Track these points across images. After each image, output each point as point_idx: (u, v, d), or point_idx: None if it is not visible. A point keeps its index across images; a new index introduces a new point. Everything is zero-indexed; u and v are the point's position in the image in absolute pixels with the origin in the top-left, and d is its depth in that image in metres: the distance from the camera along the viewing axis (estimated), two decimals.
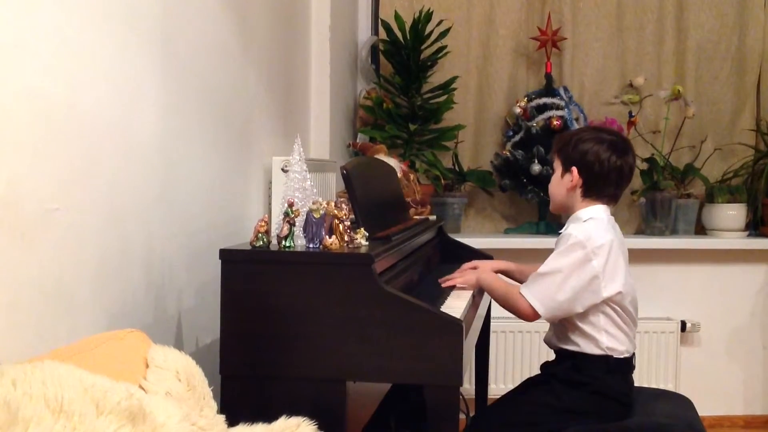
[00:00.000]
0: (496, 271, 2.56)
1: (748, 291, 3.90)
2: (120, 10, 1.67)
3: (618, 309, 2.25)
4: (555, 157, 2.38)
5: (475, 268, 2.53)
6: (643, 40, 3.99)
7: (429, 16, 3.71)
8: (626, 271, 2.28)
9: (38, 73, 1.38)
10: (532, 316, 2.25)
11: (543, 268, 2.25)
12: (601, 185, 2.29)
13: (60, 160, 1.45)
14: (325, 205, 1.93)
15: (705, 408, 2.75)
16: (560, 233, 2.32)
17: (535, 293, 2.23)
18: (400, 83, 3.75)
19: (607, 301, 2.23)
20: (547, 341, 2.42)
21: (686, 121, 3.93)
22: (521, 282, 2.54)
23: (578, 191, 2.31)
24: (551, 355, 2.41)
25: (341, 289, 1.82)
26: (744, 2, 3.98)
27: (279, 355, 1.84)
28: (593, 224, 2.26)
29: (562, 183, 2.33)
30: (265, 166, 2.59)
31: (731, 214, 3.88)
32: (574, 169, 2.29)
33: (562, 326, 2.31)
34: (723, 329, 3.90)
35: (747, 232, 3.92)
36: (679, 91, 3.88)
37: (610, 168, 2.27)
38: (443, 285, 2.39)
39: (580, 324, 2.26)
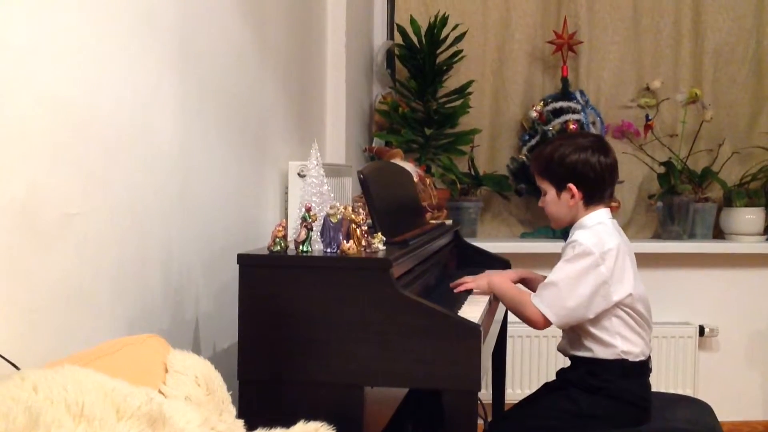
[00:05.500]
0: (517, 280, 2.54)
1: (767, 295, 3.86)
2: (138, 16, 1.67)
3: (630, 312, 2.25)
4: (541, 179, 2.37)
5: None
6: (660, 43, 3.97)
7: (444, 20, 3.71)
8: (634, 273, 2.27)
9: (57, 79, 1.38)
10: (542, 324, 2.25)
11: (552, 276, 2.24)
12: (600, 189, 2.30)
13: (79, 165, 1.45)
14: (343, 210, 1.93)
15: (724, 413, 2.73)
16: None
17: (546, 302, 2.22)
18: (416, 88, 3.75)
19: (618, 305, 2.23)
20: (561, 350, 2.41)
21: (704, 125, 3.91)
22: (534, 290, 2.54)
23: (580, 203, 2.30)
24: (568, 361, 2.40)
25: (359, 293, 1.82)
26: (761, 5, 3.95)
27: (297, 359, 1.84)
28: (600, 229, 2.26)
29: (562, 202, 2.32)
30: (282, 171, 2.60)
31: (749, 218, 3.85)
32: (571, 185, 2.29)
33: (575, 333, 2.30)
34: (742, 334, 3.87)
35: (765, 236, 3.89)
36: (696, 94, 3.86)
37: (603, 170, 2.28)
38: (456, 290, 2.38)
39: (592, 330, 2.25)
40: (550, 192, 2.34)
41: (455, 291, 2.38)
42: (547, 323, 2.24)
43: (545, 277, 2.33)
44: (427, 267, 2.33)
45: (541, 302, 2.23)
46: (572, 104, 3.77)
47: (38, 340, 1.34)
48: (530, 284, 2.56)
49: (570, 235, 2.32)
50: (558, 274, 2.23)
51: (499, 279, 2.42)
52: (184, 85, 1.90)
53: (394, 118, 3.73)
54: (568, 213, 2.33)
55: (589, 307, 2.20)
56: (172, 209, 1.86)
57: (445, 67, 3.78)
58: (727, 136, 3.96)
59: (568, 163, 2.28)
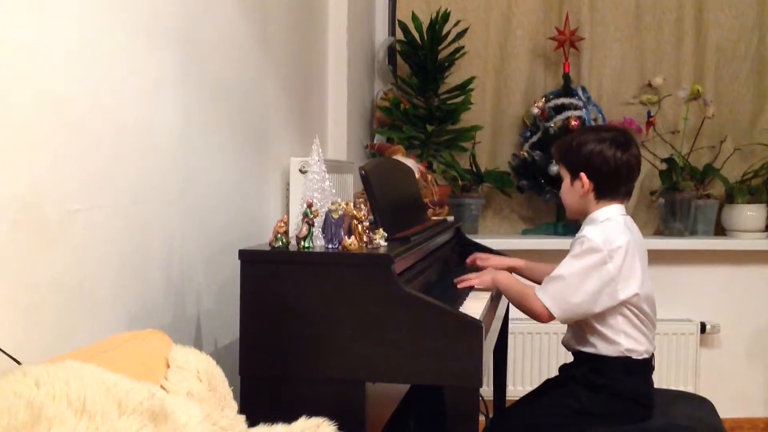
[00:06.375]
0: (506, 268, 2.56)
1: None
2: (140, 12, 1.67)
3: (635, 310, 2.24)
4: (560, 165, 2.37)
5: (487, 258, 2.57)
6: (662, 40, 3.96)
7: (446, 16, 3.71)
8: (643, 272, 2.26)
9: (58, 75, 1.38)
10: (546, 317, 2.24)
11: (558, 270, 2.24)
12: (613, 184, 2.28)
13: (80, 161, 1.45)
14: (344, 206, 1.93)
15: (725, 410, 2.73)
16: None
17: (550, 295, 2.22)
18: (418, 84, 3.75)
19: (624, 303, 2.22)
20: (565, 343, 2.41)
21: (705, 122, 3.91)
22: (531, 279, 2.55)
23: (591, 195, 2.29)
24: (569, 357, 2.40)
25: (360, 289, 1.82)
26: (764, 2, 3.95)
27: (298, 355, 1.84)
28: (609, 226, 2.24)
29: (574, 190, 2.32)
30: (283, 167, 2.60)
31: (751, 214, 3.85)
32: (583, 174, 2.28)
33: (580, 328, 2.30)
34: (743, 330, 3.87)
35: (767, 233, 3.88)
36: (698, 90, 3.86)
37: (617, 165, 2.26)
38: (459, 286, 2.38)
39: (597, 326, 2.25)
40: (566, 179, 2.34)
41: (458, 287, 2.38)
42: (551, 317, 2.24)
43: (544, 265, 2.34)
44: (429, 263, 2.33)
45: (545, 295, 2.22)
46: (574, 101, 3.77)
47: (40, 336, 1.34)
48: (521, 273, 2.59)
49: (580, 230, 2.31)
50: (564, 268, 2.23)
51: (503, 276, 2.42)
52: (186, 80, 1.90)
53: (395, 114, 3.73)
54: (578, 203, 2.32)
55: (594, 303, 2.20)
56: (174, 205, 1.86)
57: (446, 64, 3.77)
58: (728, 132, 3.96)
59: (584, 152, 2.27)
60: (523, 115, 3.96)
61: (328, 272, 1.84)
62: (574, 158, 2.30)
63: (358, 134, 3.61)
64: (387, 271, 1.82)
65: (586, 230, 2.25)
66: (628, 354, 2.24)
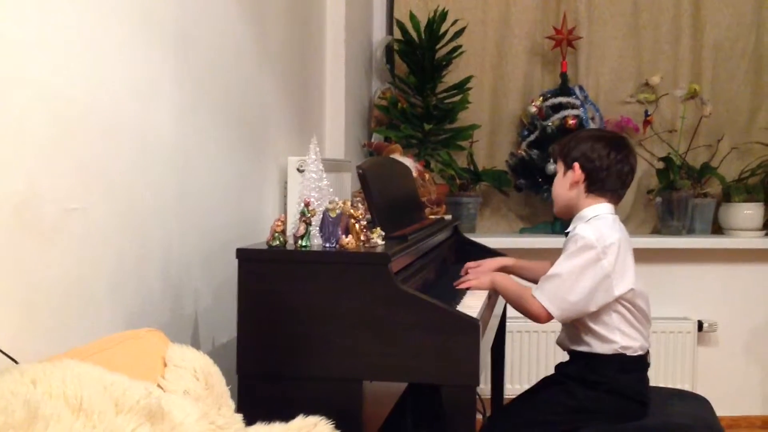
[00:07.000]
0: (498, 269, 2.56)
1: (766, 290, 3.86)
2: (137, 10, 1.67)
3: (630, 307, 2.25)
4: (558, 161, 2.40)
5: (477, 266, 2.55)
6: (659, 38, 3.96)
7: (444, 15, 3.71)
8: (634, 269, 2.28)
9: (56, 73, 1.39)
10: (544, 317, 2.25)
11: (554, 269, 2.24)
12: (603, 179, 2.30)
13: (78, 159, 1.45)
14: (342, 205, 1.93)
15: (722, 408, 2.73)
16: (567, 233, 2.32)
17: (548, 295, 2.23)
18: (415, 83, 3.75)
19: (619, 300, 2.23)
20: (559, 343, 2.42)
21: (703, 120, 3.91)
22: (524, 278, 2.56)
23: (581, 187, 2.31)
24: (566, 355, 2.40)
25: (358, 288, 1.82)
26: (761, 1, 3.95)
27: (295, 354, 1.85)
28: (600, 223, 2.26)
29: (565, 180, 2.34)
30: (281, 166, 2.60)
31: (748, 213, 3.85)
32: (576, 164, 2.30)
33: (574, 327, 2.31)
34: (740, 329, 3.87)
35: (764, 232, 3.89)
36: (695, 89, 3.86)
37: (610, 162, 2.29)
38: (457, 287, 2.38)
39: (592, 325, 2.25)
40: (560, 171, 2.37)
41: (457, 288, 2.38)
42: (549, 317, 2.24)
43: (534, 263, 2.33)
44: (427, 262, 2.33)
45: (543, 296, 2.23)
46: (571, 100, 3.77)
47: (37, 335, 1.34)
48: (511, 272, 2.59)
49: (571, 228, 2.32)
50: (560, 267, 2.23)
51: (501, 277, 2.42)
52: (183, 80, 1.90)
53: (393, 113, 3.73)
54: (568, 194, 2.34)
55: (590, 301, 2.21)
56: (171, 204, 1.86)
57: (444, 63, 3.77)
58: (726, 131, 3.96)
59: (582, 146, 2.31)
60: (521, 114, 3.96)
61: (326, 271, 1.85)
62: (570, 150, 2.33)
63: (355, 133, 3.61)
64: (384, 269, 1.82)
65: (579, 228, 2.26)
66: (623, 351, 2.25)
